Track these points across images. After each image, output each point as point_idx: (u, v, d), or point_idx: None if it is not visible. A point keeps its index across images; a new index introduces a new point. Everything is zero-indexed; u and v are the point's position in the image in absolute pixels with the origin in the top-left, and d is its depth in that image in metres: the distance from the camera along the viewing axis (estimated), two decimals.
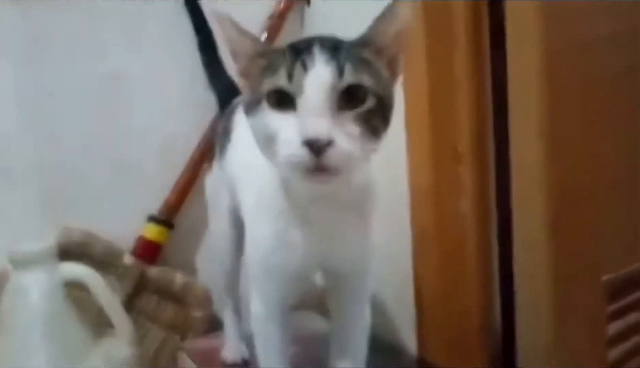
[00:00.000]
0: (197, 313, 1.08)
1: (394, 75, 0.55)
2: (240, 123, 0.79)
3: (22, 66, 1.04)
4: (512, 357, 0.93)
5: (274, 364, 0.69)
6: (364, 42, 0.53)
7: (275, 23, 1.15)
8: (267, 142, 0.51)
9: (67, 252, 1.01)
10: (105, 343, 0.84)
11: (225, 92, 0.94)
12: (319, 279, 1.14)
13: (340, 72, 0.49)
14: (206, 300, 1.09)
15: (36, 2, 1.02)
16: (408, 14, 0.53)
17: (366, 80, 0.50)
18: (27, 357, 0.74)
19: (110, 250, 1.06)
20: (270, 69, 0.51)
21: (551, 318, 0.88)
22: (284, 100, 0.50)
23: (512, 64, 0.83)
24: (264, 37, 1.13)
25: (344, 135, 0.48)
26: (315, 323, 1.05)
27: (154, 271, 1.08)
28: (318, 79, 0.48)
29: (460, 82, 0.87)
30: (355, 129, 0.49)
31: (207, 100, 1.03)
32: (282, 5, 1.16)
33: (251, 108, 0.53)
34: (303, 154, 0.47)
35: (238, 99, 0.88)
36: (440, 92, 0.88)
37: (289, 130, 0.49)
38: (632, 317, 0.99)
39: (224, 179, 0.82)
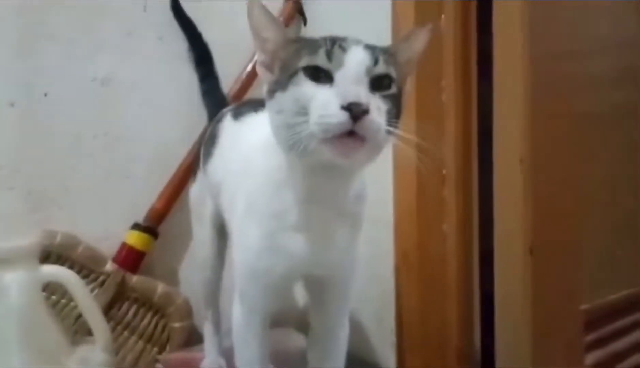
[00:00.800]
0: (177, 325, 1.07)
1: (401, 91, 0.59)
2: (228, 129, 0.81)
3: (17, 64, 1.05)
4: None
5: None
6: (388, 51, 0.57)
7: None
8: (298, 110, 0.53)
9: (48, 254, 1.01)
10: (81, 350, 0.83)
11: (218, 107, 0.96)
12: (299, 296, 1.15)
13: (375, 61, 0.54)
14: (187, 312, 1.08)
15: (34, 2, 1.04)
16: (422, 45, 0.60)
17: (393, 73, 0.55)
18: (1, 357, 0.73)
19: (93, 256, 1.05)
20: (306, 50, 0.55)
21: (530, 344, 0.88)
22: (320, 75, 0.53)
23: (498, 94, 0.86)
24: None
25: (375, 110, 0.52)
26: (295, 340, 1.04)
27: (135, 280, 1.07)
28: (357, 57, 0.53)
29: (447, 107, 0.89)
30: (383, 106, 0.53)
31: (198, 109, 1.05)
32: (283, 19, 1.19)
33: (279, 85, 0.55)
34: (342, 117, 0.50)
35: (225, 110, 0.90)
36: (427, 116, 0.90)
37: (326, 95, 0.52)
38: (610, 348, 1.00)
39: (208, 186, 0.83)
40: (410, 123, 0.90)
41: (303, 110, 0.52)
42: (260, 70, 0.60)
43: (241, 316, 0.68)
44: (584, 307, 0.95)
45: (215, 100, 1.01)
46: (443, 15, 0.92)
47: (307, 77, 0.53)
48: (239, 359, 0.70)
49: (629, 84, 1.03)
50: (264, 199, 0.62)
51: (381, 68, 0.54)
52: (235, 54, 1.14)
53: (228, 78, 1.14)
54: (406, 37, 0.61)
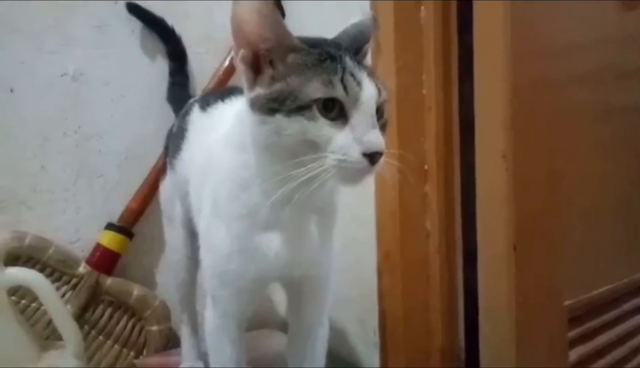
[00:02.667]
0: (154, 328, 1.04)
1: None
2: (196, 121, 0.78)
3: None
4: None
5: None
6: (373, 72, 0.57)
7: None
8: (305, 141, 0.52)
9: (17, 256, 0.96)
10: (50, 355, 0.80)
11: (180, 103, 0.94)
12: (281, 297, 1.13)
13: (379, 91, 0.54)
14: (164, 315, 1.05)
15: None
16: None
17: (385, 96, 0.56)
18: None
19: (64, 258, 1.01)
20: (317, 75, 0.52)
21: (514, 341, 0.87)
22: (334, 108, 0.52)
23: (480, 90, 0.84)
24: None
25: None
26: (276, 341, 1.02)
27: (109, 282, 1.03)
28: (370, 95, 0.53)
29: (428, 101, 0.87)
30: (383, 138, 0.54)
31: None
32: None
33: (281, 106, 0.52)
34: (363, 162, 0.52)
35: (192, 100, 0.86)
36: (408, 112, 0.88)
37: (346, 140, 0.52)
38: (593, 343, 1.00)
39: (176, 182, 0.80)
40: (390, 117, 0.88)
41: (313, 144, 0.52)
42: (241, 67, 0.55)
43: (215, 321, 0.66)
44: (567, 302, 0.94)
45: (179, 96, 0.99)
46: (423, 8, 0.89)
47: (321, 113, 0.52)
48: (213, 365, 0.68)
49: (611, 81, 1.03)
50: (231, 199, 0.60)
51: (383, 96, 0.55)
52: (211, 50, 1.11)
53: (204, 74, 1.11)
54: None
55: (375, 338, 0.93)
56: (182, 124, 0.81)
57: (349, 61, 0.54)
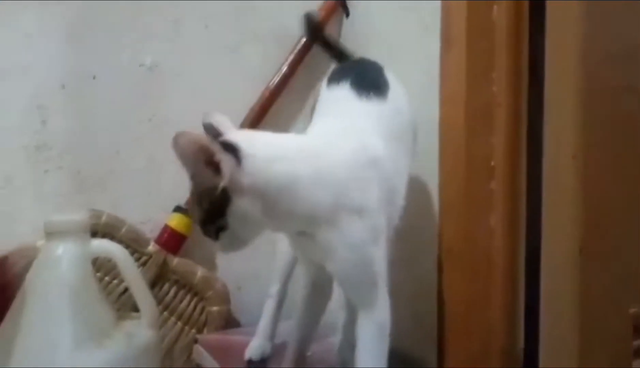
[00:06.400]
0: (215, 309, 1.08)
1: None
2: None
3: (68, 48, 1.08)
4: None
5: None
6: None
7: None
8: None
9: (94, 233, 1.03)
10: (127, 324, 0.85)
11: None
12: None
13: None
14: (224, 297, 1.10)
15: None
16: None
17: None
18: (53, 325, 0.75)
19: (136, 236, 1.08)
20: None
21: (575, 346, 0.85)
22: None
23: (550, 90, 0.83)
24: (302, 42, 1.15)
25: None
26: None
27: (176, 262, 1.09)
28: None
29: (498, 98, 0.87)
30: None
31: (241, 98, 1.07)
32: (321, 14, 1.17)
33: None
34: None
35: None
36: (477, 108, 0.88)
37: None
38: None
39: None
40: (459, 116, 0.89)
41: None
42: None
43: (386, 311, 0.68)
44: (632, 310, 0.92)
45: None
46: (495, 6, 0.90)
47: None
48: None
49: None
50: None
51: None
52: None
53: None
54: None
55: (433, 336, 0.93)
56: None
57: None
